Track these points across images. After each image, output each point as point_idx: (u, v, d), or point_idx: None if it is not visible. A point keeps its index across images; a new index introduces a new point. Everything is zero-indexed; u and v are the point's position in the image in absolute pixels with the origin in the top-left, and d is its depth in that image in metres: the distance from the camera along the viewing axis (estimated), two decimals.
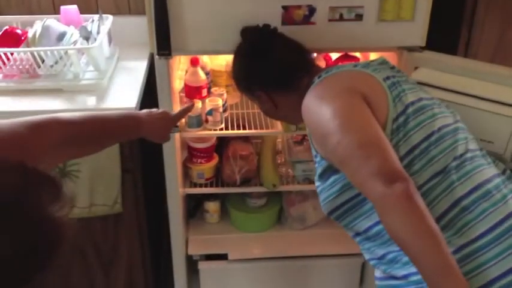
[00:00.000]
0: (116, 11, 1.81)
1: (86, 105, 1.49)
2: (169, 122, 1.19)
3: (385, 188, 0.84)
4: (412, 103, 1.02)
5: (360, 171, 0.89)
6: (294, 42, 1.23)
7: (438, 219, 0.94)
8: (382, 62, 1.17)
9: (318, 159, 1.10)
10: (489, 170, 1.01)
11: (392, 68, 1.17)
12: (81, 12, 1.73)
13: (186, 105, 1.30)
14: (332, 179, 1.07)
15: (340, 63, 1.20)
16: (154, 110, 1.17)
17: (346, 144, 0.92)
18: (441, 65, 1.35)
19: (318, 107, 1.01)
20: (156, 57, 1.36)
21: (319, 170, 1.10)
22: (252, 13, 1.32)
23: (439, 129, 1.01)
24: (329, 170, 1.07)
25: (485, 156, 1.05)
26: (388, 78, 1.06)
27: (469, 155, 1.00)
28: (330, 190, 1.08)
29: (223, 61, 1.75)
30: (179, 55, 1.57)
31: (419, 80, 1.30)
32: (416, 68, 1.37)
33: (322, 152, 1.06)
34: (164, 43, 1.32)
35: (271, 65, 1.19)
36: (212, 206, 1.89)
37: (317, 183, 1.14)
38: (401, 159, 0.96)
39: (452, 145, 1.00)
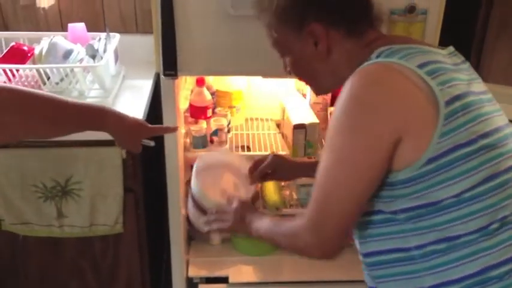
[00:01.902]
0: (123, 29, 1.82)
1: None
2: (144, 132, 1.14)
3: (311, 246, 0.91)
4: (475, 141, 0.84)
5: (313, 206, 0.90)
6: None
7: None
8: (454, 53, 0.97)
9: None
10: None
11: (464, 61, 0.97)
12: (89, 30, 1.74)
13: (168, 126, 1.22)
14: None
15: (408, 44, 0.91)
16: (131, 116, 1.14)
17: (324, 173, 0.88)
18: None
19: (344, 117, 0.85)
20: (162, 77, 1.35)
21: None
22: (260, 36, 1.30)
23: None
24: None
25: None
26: (460, 96, 0.85)
27: None
28: None
29: (228, 82, 1.74)
30: (185, 75, 1.56)
31: None
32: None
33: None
34: (170, 63, 1.31)
35: None
36: None
37: None
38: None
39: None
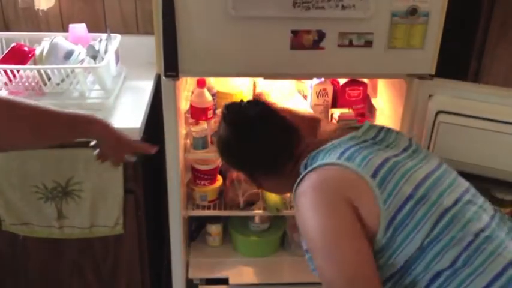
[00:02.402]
0: (124, 30, 1.82)
1: None
2: (127, 146, 1.14)
3: None
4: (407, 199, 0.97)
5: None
6: (282, 121, 1.17)
7: None
8: (369, 128, 1.12)
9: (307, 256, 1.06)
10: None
11: (380, 130, 1.13)
12: (90, 31, 1.74)
13: (151, 146, 1.20)
14: None
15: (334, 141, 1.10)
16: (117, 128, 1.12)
17: (330, 275, 0.92)
18: (456, 91, 1.34)
19: (309, 217, 0.99)
20: (163, 78, 1.35)
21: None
22: (261, 37, 1.31)
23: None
24: None
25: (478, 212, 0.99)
26: (381, 165, 0.99)
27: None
28: None
29: (230, 83, 1.74)
30: (186, 77, 1.56)
31: (439, 109, 1.31)
32: (430, 96, 1.36)
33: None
34: (172, 65, 1.31)
35: (253, 150, 1.18)
36: (214, 229, 1.87)
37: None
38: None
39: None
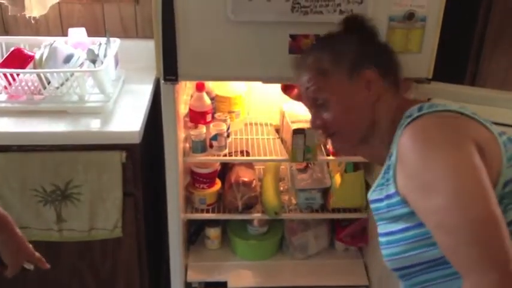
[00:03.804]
0: (123, 34, 1.82)
1: (89, 128, 1.49)
2: (26, 254, 1.10)
3: (500, 282, 0.77)
4: None
5: (468, 250, 0.81)
6: None
7: None
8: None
9: (394, 200, 0.93)
10: None
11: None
12: (89, 35, 1.74)
13: (44, 263, 1.14)
14: (412, 232, 0.92)
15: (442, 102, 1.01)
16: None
17: (456, 213, 0.81)
18: (455, 95, 1.34)
19: (427, 154, 0.87)
20: (162, 82, 1.35)
21: (391, 213, 0.95)
22: (260, 41, 1.32)
23: None
24: (407, 219, 0.92)
25: None
26: (503, 133, 0.95)
27: None
28: (405, 244, 0.93)
29: (228, 87, 1.75)
30: (185, 81, 1.57)
31: None
32: (429, 99, 1.37)
33: (411, 199, 0.90)
34: (171, 69, 1.32)
35: (388, 47, 1.07)
36: (213, 232, 1.87)
37: (384, 228, 0.98)
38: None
39: None
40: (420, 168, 0.87)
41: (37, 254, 1.12)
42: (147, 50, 1.60)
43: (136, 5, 1.82)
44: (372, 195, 1.01)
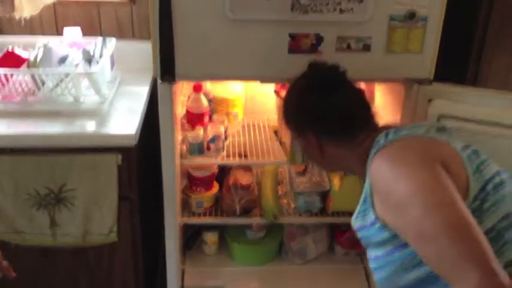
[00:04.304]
0: (119, 35, 1.79)
1: (84, 130, 1.46)
2: None
3: (482, 279, 0.78)
4: (491, 178, 0.96)
5: (449, 253, 0.83)
6: (361, 91, 1.15)
7: None
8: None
9: (376, 226, 0.98)
10: None
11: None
12: (84, 34, 1.71)
13: (11, 272, 1.11)
14: (397, 254, 0.96)
15: (409, 125, 1.10)
16: None
17: (432, 220, 0.85)
18: (455, 96, 1.33)
19: (396, 175, 0.92)
20: (159, 82, 1.33)
21: (375, 239, 0.99)
22: (259, 40, 1.30)
23: None
24: (391, 242, 0.96)
25: None
26: (466, 147, 1.00)
27: None
28: (392, 267, 0.97)
29: (226, 88, 1.72)
30: (183, 81, 1.54)
31: (441, 114, 1.31)
32: (430, 100, 1.35)
33: (389, 219, 0.95)
34: (168, 68, 1.29)
35: (333, 109, 1.09)
36: (210, 237, 1.84)
37: (372, 254, 1.03)
38: None
39: None
40: (392, 188, 0.92)
41: (5, 262, 1.09)
42: (143, 51, 1.59)
43: (132, 5, 1.79)
44: (355, 223, 1.05)
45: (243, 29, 1.27)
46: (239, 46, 1.29)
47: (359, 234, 1.04)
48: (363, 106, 1.12)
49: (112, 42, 1.67)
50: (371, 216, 0.98)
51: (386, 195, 0.94)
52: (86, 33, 1.72)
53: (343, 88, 1.12)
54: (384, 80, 1.47)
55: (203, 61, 1.30)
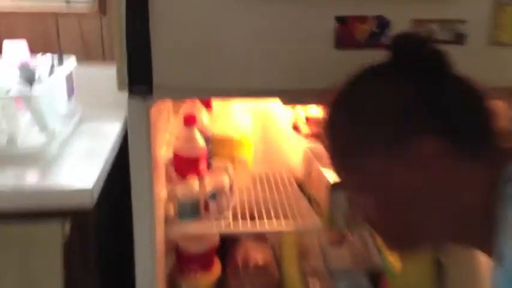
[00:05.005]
0: (84, 56, 1.48)
1: (21, 183, 1.09)
2: None
3: None
4: None
5: None
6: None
7: None
8: None
9: None
10: None
11: None
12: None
13: None
14: None
15: None
16: None
17: None
18: None
19: None
20: (128, 98, 0.92)
21: None
22: (285, 28, 0.92)
23: None
24: None
25: None
26: None
27: None
28: None
29: (230, 122, 1.41)
30: (164, 97, 1.14)
31: None
32: None
33: None
34: (142, 73, 0.89)
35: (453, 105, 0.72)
36: None
37: None
38: None
39: None
40: None
41: None
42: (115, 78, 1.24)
43: (102, 17, 1.47)
44: None
45: (258, 10, 0.90)
46: (250, 38, 0.92)
47: None
48: (489, 113, 0.75)
49: (71, 61, 1.34)
50: None
51: None
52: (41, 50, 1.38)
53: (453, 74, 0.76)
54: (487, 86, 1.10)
55: (195, 63, 0.91)
